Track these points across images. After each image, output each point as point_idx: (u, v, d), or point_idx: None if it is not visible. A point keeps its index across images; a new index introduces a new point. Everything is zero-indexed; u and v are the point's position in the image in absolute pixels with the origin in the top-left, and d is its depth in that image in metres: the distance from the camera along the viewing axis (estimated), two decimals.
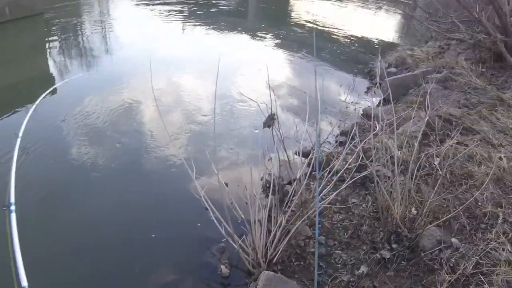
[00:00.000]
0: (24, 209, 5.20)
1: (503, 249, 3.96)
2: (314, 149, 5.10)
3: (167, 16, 19.36)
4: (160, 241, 5.01)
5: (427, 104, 5.80)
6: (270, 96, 4.87)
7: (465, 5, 9.60)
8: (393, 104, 7.09)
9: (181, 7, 21.42)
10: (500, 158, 5.55)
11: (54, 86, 9.94)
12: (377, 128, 5.31)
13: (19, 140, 5.87)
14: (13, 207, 3.23)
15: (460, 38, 10.83)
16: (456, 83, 8.62)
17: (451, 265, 3.93)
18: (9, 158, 5.84)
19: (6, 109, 8.46)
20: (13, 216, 3.17)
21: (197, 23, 18.34)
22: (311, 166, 4.06)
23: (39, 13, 17.37)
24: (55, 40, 14.80)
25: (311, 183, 5.15)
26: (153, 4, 21.74)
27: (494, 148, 5.91)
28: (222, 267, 4.43)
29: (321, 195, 4.45)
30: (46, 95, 8.85)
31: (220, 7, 23.81)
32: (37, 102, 7.75)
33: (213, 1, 25.33)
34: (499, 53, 9.29)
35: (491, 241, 4.11)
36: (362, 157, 4.87)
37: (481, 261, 3.91)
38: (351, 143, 5.31)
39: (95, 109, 8.46)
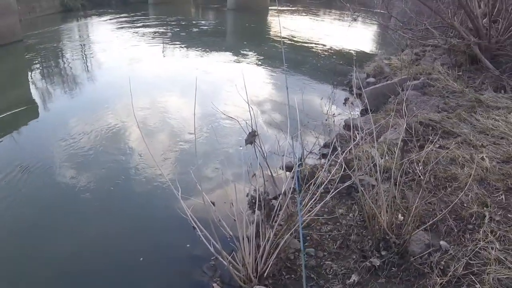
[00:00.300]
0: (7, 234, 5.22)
1: (492, 248, 3.99)
2: (297, 163, 5.11)
3: (149, 38, 19.46)
4: (150, 263, 5.00)
5: (404, 111, 5.86)
6: (250, 113, 4.89)
7: (437, 11, 9.81)
8: (372, 114, 7.18)
9: (164, 29, 21.56)
10: (483, 159, 5.62)
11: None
12: (357, 138, 5.35)
13: None
14: None
15: (434, 44, 11.04)
16: (434, 88, 8.76)
17: (442, 267, 3.94)
18: None
19: None
20: None
21: (179, 44, 18.43)
22: (294, 179, 4.07)
23: (19, 40, 17.34)
24: (35, 66, 14.79)
25: (296, 196, 5.15)
26: (135, 27, 21.84)
27: (476, 149, 5.99)
28: (214, 285, 4.41)
29: (308, 207, 4.45)
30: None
31: (201, 27, 24.01)
32: None
33: (193, 22, 25.56)
34: (474, 55, 9.48)
35: (480, 241, 4.14)
36: (345, 168, 4.89)
37: (471, 262, 3.93)
38: (333, 155, 5.33)
39: (78, 134, 8.44)
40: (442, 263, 3.98)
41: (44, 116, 10.04)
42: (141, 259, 5.09)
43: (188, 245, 5.07)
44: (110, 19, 24.98)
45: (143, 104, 10.20)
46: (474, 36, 9.46)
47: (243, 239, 4.09)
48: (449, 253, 4.11)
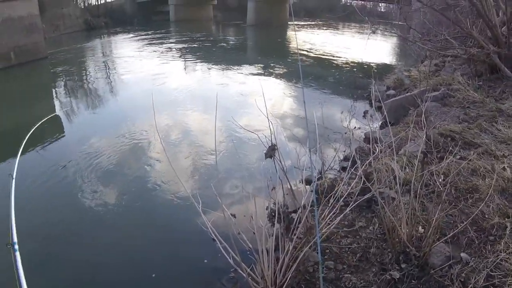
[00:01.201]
0: (29, 247, 5.34)
1: None
2: (315, 177, 5.16)
3: (170, 54, 19.80)
4: (170, 275, 5.11)
5: (424, 122, 5.85)
6: (270, 127, 4.96)
7: (455, 21, 9.77)
8: (392, 126, 7.17)
9: (185, 46, 21.88)
10: (504, 169, 5.55)
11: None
12: (377, 150, 5.37)
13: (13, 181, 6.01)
14: (16, 246, 3.28)
15: (454, 54, 10.97)
16: (454, 99, 8.70)
17: (462, 280, 3.90)
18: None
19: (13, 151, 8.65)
20: (18, 255, 3.24)
21: (200, 60, 18.73)
22: (313, 193, 4.11)
23: (44, 57, 17.86)
24: (60, 83, 15.15)
25: (315, 209, 5.18)
26: (157, 44, 22.22)
27: (497, 159, 5.92)
28: None
29: (327, 220, 4.48)
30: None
31: (221, 43, 24.32)
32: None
33: (214, 38, 25.89)
34: (493, 65, 9.39)
35: (501, 252, 4.09)
36: (365, 181, 4.91)
37: (492, 273, 3.88)
38: (353, 167, 5.36)
39: (101, 149, 8.64)
40: (463, 275, 3.94)
41: (69, 131, 10.29)
42: (162, 270, 5.18)
43: (208, 257, 5.13)
44: (133, 37, 25.52)
45: (165, 119, 10.39)
46: (493, 45, 9.38)
47: (262, 251, 4.13)
48: (470, 265, 4.07)
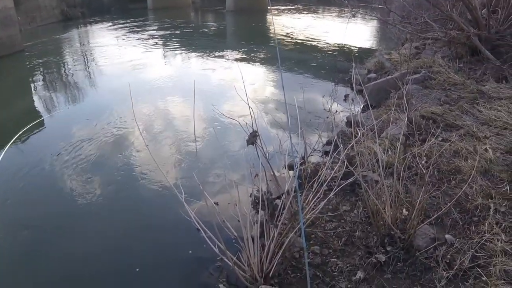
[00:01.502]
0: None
1: (498, 240, 3.99)
2: (298, 162, 5.13)
3: (149, 42, 19.54)
4: (156, 265, 5.03)
5: (405, 105, 5.85)
6: (251, 113, 4.90)
7: (435, 3, 9.77)
8: (373, 109, 7.18)
9: (164, 33, 21.63)
10: (486, 150, 5.60)
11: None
12: (359, 134, 5.35)
13: None
14: None
15: (434, 37, 11.01)
16: (435, 81, 8.74)
17: (448, 261, 3.93)
18: None
19: None
20: None
21: (179, 47, 18.53)
22: (296, 178, 4.07)
23: (20, 50, 17.46)
24: (37, 76, 14.86)
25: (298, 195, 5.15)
26: (135, 32, 21.91)
27: (479, 140, 5.97)
28: (220, 286, 4.44)
29: (311, 205, 4.45)
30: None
31: (200, 30, 24.08)
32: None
33: (193, 25, 25.61)
34: (474, 47, 9.44)
35: (485, 233, 4.13)
36: (348, 165, 4.89)
37: (477, 254, 3.93)
38: (335, 152, 5.33)
39: (81, 141, 8.51)
40: (448, 256, 3.97)
41: (49, 124, 10.10)
42: (147, 261, 5.12)
43: (193, 247, 5.08)
44: (111, 26, 25.09)
45: (145, 109, 10.25)
46: (474, 27, 9.42)
47: (247, 239, 4.09)
48: (454, 246, 4.10)
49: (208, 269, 4.75)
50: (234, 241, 4.30)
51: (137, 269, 4.99)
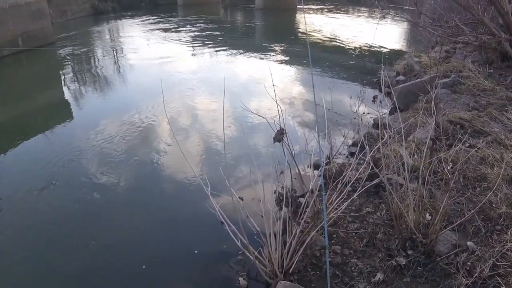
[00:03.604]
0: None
1: None
2: (324, 162, 5.17)
3: (179, 38, 19.73)
4: (179, 257, 5.18)
5: (433, 109, 5.82)
6: (278, 111, 4.95)
7: (467, 7, 9.62)
8: (401, 112, 7.15)
9: (193, 30, 21.80)
10: None
11: None
12: (385, 136, 5.36)
13: None
14: None
15: (465, 41, 10.85)
16: (465, 86, 8.63)
17: (468, 268, 3.92)
18: None
19: (25, 136, 8.72)
20: None
21: (209, 44, 18.66)
22: (321, 177, 4.12)
23: (52, 43, 17.85)
24: (68, 68, 15.15)
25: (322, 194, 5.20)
26: (165, 28, 22.13)
27: (506, 148, 5.90)
28: (240, 279, 4.54)
29: (335, 205, 4.50)
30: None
31: (230, 27, 24.18)
32: None
33: (223, 22, 25.71)
34: (505, 52, 9.29)
35: (507, 242, 4.10)
36: (373, 166, 4.91)
37: (498, 263, 3.91)
38: (361, 153, 5.36)
39: (110, 133, 8.70)
40: (469, 263, 3.97)
41: (77, 116, 10.35)
42: (170, 252, 5.28)
43: (216, 240, 5.17)
44: (140, 21, 25.39)
45: (174, 103, 10.39)
46: (505, 33, 9.26)
47: (269, 235, 4.17)
48: (475, 253, 4.09)
49: (229, 262, 4.86)
50: (256, 236, 4.37)
51: (159, 260, 5.13)
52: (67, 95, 12.22)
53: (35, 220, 6.06)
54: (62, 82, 13.60)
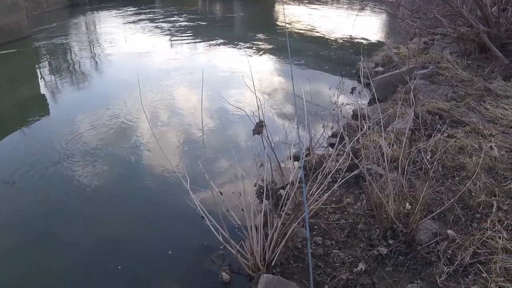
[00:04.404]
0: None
1: (499, 237, 4.02)
2: (303, 153, 5.15)
3: (156, 30, 19.47)
4: (159, 253, 5.08)
5: (412, 100, 5.85)
6: (257, 103, 4.91)
7: None
8: (380, 103, 7.17)
9: (171, 21, 21.56)
10: (491, 148, 5.61)
11: None
12: (365, 127, 5.36)
13: None
14: None
15: (443, 32, 10.96)
16: (443, 77, 8.72)
17: (449, 256, 3.97)
18: None
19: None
20: None
21: (186, 36, 18.47)
22: (301, 169, 4.09)
23: (27, 36, 17.46)
24: (44, 62, 14.85)
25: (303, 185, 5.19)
26: (142, 20, 21.87)
27: (484, 138, 5.98)
28: (223, 273, 4.49)
29: (315, 196, 4.48)
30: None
31: (208, 18, 23.98)
32: None
33: (201, 13, 25.51)
34: (483, 44, 9.39)
35: (487, 230, 4.16)
36: (353, 157, 4.91)
37: (478, 251, 3.96)
38: (341, 144, 5.35)
39: (87, 127, 8.55)
40: (449, 252, 4.01)
41: (54, 110, 10.14)
42: (151, 248, 5.20)
43: (197, 235, 5.10)
44: (117, 13, 25.00)
45: (151, 97, 10.26)
46: (483, 25, 9.36)
47: (251, 228, 4.14)
48: (456, 242, 4.14)
49: (211, 257, 4.80)
50: (237, 230, 4.33)
51: (140, 256, 5.06)
52: (43, 90, 11.96)
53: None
54: (38, 76, 13.32)
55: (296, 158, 5.86)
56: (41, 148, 7.86)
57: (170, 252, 5.07)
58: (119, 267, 4.88)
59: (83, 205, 6.14)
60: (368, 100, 8.04)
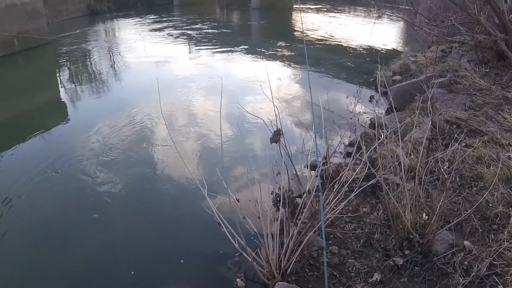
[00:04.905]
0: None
1: None
2: (320, 162, 5.17)
3: (175, 38, 19.71)
4: (176, 258, 5.15)
5: (429, 109, 5.83)
6: (275, 112, 4.96)
7: (463, 7, 9.66)
8: (397, 112, 7.16)
9: (190, 29, 21.77)
10: (509, 158, 5.56)
11: None
12: (382, 136, 5.37)
13: None
14: None
15: (461, 40, 10.88)
16: (461, 85, 8.65)
17: (465, 268, 3.94)
18: None
19: (21, 136, 8.69)
20: None
21: (205, 44, 18.67)
22: (318, 178, 4.12)
23: (47, 43, 17.80)
24: (64, 68, 15.11)
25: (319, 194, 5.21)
26: (161, 28, 22.10)
27: (502, 148, 5.92)
28: (238, 280, 4.53)
29: (332, 205, 4.50)
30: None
31: (226, 27, 24.16)
32: None
33: (219, 22, 25.68)
34: (501, 52, 9.31)
35: (504, 241, 4.11)
36: (370, 167, 4.92)
37: (494, 262, 3.92)
38: (358, 153, 5.37)
39: (106, 134, 8.69)
40: (466, 263, 3.98)
41: (73, 116, 10.32)
42: (167, 253, 5.26)
43: (213, 241, 5.16)
44: (137, 21, 25.35)
45: (170, 104, 10.39)
46: (501, 32, 9.28)
47: (267, 236, 4.17)
48: (472, 253, 4.10)
49: (227, 263, 4.85)
50: (253, 237, 4.37)
51: (154, 261, 5.11)
52: (63, 96, 12.19)
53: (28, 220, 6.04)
54: (58, 82, 13.56)
55: (313, 166, 5.88)
56: (60, 151, 8.01)
57: (185, 257, 5.13)
58: (137, 269, 4.96)
59: (100, 210, 6.22)
60: (385, 109, 8.05)
